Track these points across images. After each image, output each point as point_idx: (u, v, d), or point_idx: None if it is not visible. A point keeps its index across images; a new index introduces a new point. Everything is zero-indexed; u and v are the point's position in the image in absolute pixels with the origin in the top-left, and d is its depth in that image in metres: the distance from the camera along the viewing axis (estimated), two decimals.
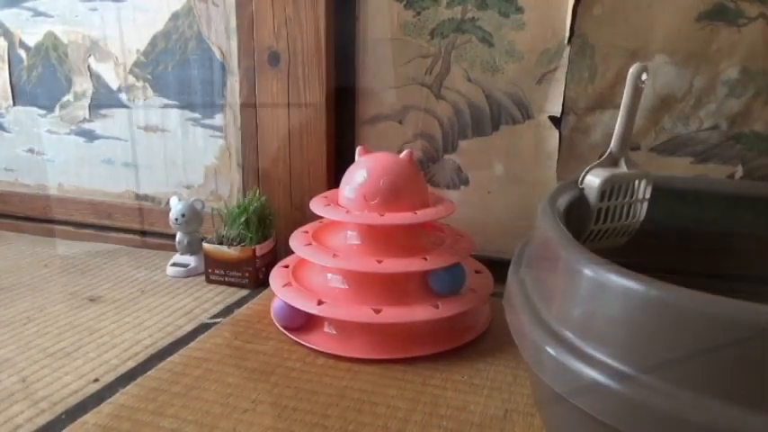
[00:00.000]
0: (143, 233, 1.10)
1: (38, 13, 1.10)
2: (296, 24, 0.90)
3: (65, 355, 0.70)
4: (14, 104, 1.16)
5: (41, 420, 0.57)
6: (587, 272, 0.43)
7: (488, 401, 0.60)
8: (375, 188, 0.71)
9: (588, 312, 0.42)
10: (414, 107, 0.92)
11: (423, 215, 0.71)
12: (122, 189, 1.12)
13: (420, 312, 0.67)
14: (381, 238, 0.72)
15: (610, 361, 0.39)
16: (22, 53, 1.13)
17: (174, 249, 0.98)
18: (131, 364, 0.67)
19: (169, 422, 0.56)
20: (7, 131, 1.18)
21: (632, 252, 0.65)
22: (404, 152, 0.75)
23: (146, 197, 1.11)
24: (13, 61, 1.14)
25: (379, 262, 0.68)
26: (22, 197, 1.19)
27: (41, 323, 0.78)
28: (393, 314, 0.66)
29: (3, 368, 0.67)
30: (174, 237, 0.97)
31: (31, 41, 1.12)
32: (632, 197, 0.65)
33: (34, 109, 1.15)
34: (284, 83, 0.93)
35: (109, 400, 0.60)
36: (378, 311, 0.66)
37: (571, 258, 0.45)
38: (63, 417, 0.57)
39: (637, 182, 0.65)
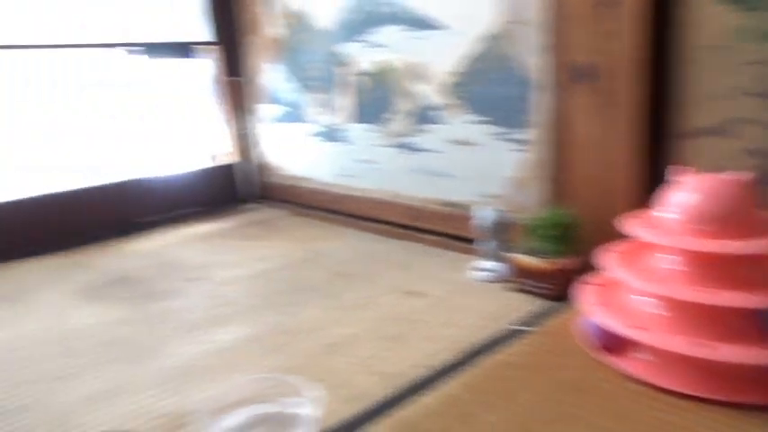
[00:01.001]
0: (449, 236, 1.22)
1: (373, 45, 1.31)
2: (610, 38, 0.89)
3: (394, 340, 0.82)
4: (356, 122, 1.40)
5: (384, 392, 0.69)
6: None
7: None
8: (705, 212, 0.67)
9: None
10: (743, 120, 0.82)
11: (764, 245, 0.63)
12: (433, 195, 1.26)
13: (755, 354, 0.61)
14: (707, 267, 0.67)
15: None
16: (361, 78, 1.36)
17: (475, 254, 1.06)
18: (448, 355, 0.76)
19: (494, 417, 0.62)
20: (351, 144, 1.44)
21: None
22: (739, 174, 0.68)
23: (452, 204, 1.22)
24: (354, 85, 1.38)
25: (709, 292, 0.63)
26: (353, 199, 1.44)
27: (374, 309, 0.93)
28: (724, 351, 0.61)
29: (353, 342, 0.82)
30: (475, 242, 1.06)
31: (368, 68, 1.33)
32: None
33: (368, 125, 1.37)
34: (595, 97, 0.93)
35: (435, 386, 0.69)
36: (705, 345, 0.62)
37: None
38: (402, 393, 0.68)
39: None
